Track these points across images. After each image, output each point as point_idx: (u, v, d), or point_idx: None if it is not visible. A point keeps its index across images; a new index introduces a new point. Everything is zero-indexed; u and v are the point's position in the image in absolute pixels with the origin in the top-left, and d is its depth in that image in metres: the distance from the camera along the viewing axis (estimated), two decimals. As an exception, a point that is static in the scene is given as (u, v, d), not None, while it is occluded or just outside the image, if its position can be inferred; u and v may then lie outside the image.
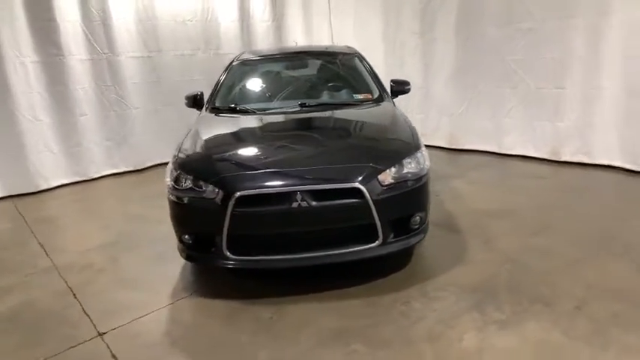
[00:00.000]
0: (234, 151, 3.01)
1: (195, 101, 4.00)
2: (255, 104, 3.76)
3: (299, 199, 2.50)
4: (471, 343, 2.20)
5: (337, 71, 4.15)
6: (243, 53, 4.75)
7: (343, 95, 3.83)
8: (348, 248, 2.64)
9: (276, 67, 4.33)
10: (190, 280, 3.03)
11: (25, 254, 3.67)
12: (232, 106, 3.68)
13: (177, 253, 2.91)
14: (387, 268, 2.91)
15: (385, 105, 3.59)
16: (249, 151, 3.04)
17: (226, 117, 3.59)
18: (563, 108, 4.88)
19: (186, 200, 2.70)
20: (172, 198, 2.77)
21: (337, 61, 4.26)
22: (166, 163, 2.95)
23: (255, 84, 4.22)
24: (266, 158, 2.88)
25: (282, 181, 2.57)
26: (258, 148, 3.06)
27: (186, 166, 2.82)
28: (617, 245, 3.10)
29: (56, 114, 5.36)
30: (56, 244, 3.84)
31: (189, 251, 2.83)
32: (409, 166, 2.73)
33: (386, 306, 2.56)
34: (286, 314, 2.55)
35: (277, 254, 2.64)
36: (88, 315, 2.71)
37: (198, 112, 3.99)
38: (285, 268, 2.69)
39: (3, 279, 3.24)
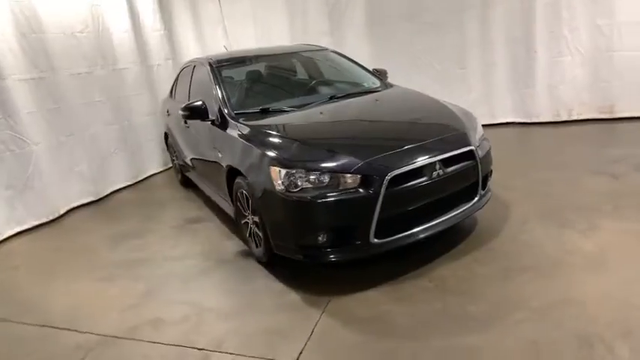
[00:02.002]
0: (342, 141, 2.93)
1: (199, 112, 3.58)
2: (280, 103, 3.61)
3: (438, 168, 2.70)
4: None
5: (328, 65, 4.28)
6: (202, 59, 4.39)
7: (356, 84, 4.00)
8: (459, 209, 2.94)
9: (264, 68, 4.19)
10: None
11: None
12: (261, 108, 3.48)
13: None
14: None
15: (398, 87, 3.94)
16: (353, 139, 2.98)
17: (274, 118, 3.36)
18: (466, 83, 6.08)
19: (317, 198, 2.54)
20: (296, 201, 2.57)
21: (318, 57, 4.39)
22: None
23: (258, 86, 4.00)
24: (379, 140, 2.91)
25: (418, 155, 2.67)
26: (355, 134, 3.05)
27: (306, 163, 2.64)
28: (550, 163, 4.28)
29: None
30: None
31: (325, 252, 2.67)
32: (479, 129, 3.19)
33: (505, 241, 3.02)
34: (439, 279, 2.72)
35: (415, 227, 2.76)
36: None
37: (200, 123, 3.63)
38: (424, 238, 2.81)
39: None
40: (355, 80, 4.08)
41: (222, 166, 3.46)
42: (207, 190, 4.32)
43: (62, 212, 5.03)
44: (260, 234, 3.05)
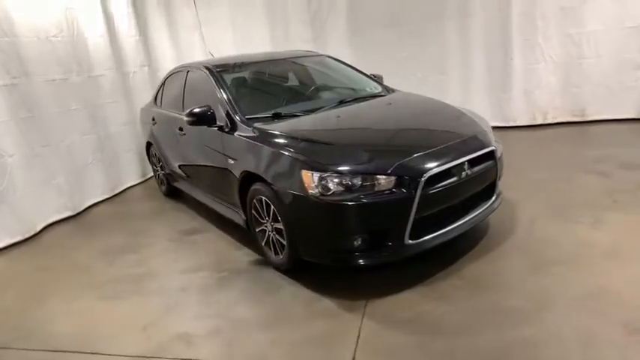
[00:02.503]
0: (370, 143, 2.92)
1: (206, 118, 3.46)
2: (289, 108, 3.54)
3: (466, 168, 2.76)
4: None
5: (326, 70, 4.27)
6: (196, 64, 4.26)
7: (360, 89, 4.00)
8: (481, 209, 3.01)
9: (265, 73, 4.11)
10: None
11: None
12: (273, 112, 3.41)
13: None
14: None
15: (401, 92, 4.00)
16: (380, 141, 2.99)
17: (289, 122, 3.28)
18: (447, 89, 6.27)
19: (354, 201, 2.51)
20: (332, 205, 2.53)
21: (315, 62, 4.38)
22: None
23: (262, 91, 3.91)
24: (405, 142, 2.94)
25: (447, 156, 2.70)
26: (380, 137, 3.05)
27: (339, 166, 2.59)
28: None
29: None
30: None
31: (360, 255, 2.64)
32: (490, 131, 3.30)
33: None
34: (470, 277, 2.77)
35: (444, 227, 2.79)
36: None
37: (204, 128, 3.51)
38: (453, 237, 2.83)
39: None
40: (357, 85, 4.10)
41: (233, 173, 3.35)
42: (206, 199, 4.16)
43: (39, 229, 4.67)
44: (283, 241, 2.97)
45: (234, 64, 4.18)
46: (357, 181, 2.55)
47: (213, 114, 3.46)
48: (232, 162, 3.35)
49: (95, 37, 5.53)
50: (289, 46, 6.60)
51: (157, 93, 5.16)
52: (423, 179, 2.55)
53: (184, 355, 2.42)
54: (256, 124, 3.25)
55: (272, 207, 2.97)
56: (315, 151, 2.76)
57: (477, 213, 2.97)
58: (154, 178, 5.66)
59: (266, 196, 3.00)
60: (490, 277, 2.75)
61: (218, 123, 3.47)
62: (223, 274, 3.28)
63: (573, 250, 2.91)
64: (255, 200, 3.16)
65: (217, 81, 3.74)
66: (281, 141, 2.98)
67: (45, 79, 4.85)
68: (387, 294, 2.70)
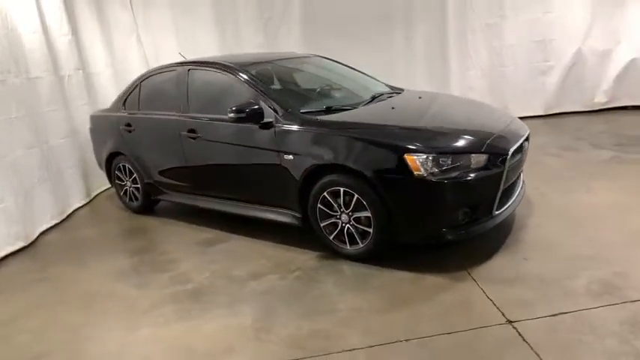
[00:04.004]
0: (449, 126, 3.15)
1: (256, 115, 3.30)
2: (328, 102, 3.59)
3: (526, 147, 3.20)
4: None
5: (328, 70, 4.37)
6: (200, 62, 4.00)
7: (376, 86, 4.19)
8: (520, 184, 3.49)
9: (277, 72, 4.02)
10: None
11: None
12: (325, 107, 3.41)
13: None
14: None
15: (409, 90, 4.34)
16: (452, 125, 3.22)
17: (352, 113, 3.38)
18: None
19: (461, 178, 2.74)
20: (441, 184, 2.71)
21: (313, 62, 4.45)
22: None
23: (294, 88, 3.81)
24: (470, 126, 3.21)
25: (512, 136, 3.09)
26: (448, 122, 3.30)
27: (439, 147, 2.79)
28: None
29: None
30: None
31: (464, 229, 2.86)
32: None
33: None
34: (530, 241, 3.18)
35: (509, 200, 3.17)
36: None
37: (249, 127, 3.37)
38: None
39: None
40: (369, 82, 4.31)
41: (290, 169, 3.26)
42: (228, 206, 3.88)
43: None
44: (368, 229, 3.01)
45: (246, 62, 4.01)
46: (458, 160, 2.79)
47: (261, 110, 3.33)
48: (290, 157, 3.26)
49: (29, 32, 4.70)
50: (241, 51, 6.48)
51: (127, 97, 4.61)
52: (509, 155, 2.91)
53: (336, 348, 2.32)
54: (319, 117, 3.24)
55: (355, 196, 3.00)
56: (411, 136, 2.90)
57: (521, 188, 3.45)
58: (117, 195, 4.97)
59: (346, 186, 3.02)
60: (546, 238, 3.22)
61: (267, 119, 3.34)
62: (297, 274, 3.15)
63: (590, 210, 3.56)
64: (326, 193, 3.14)
65: (251, 78, 3.59)
66: (364, 130, 3.04)
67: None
68: (478, 263, 2.97)
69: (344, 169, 3.02)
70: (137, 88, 4.51)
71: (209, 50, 6.38)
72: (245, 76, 3.60)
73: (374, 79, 4.46)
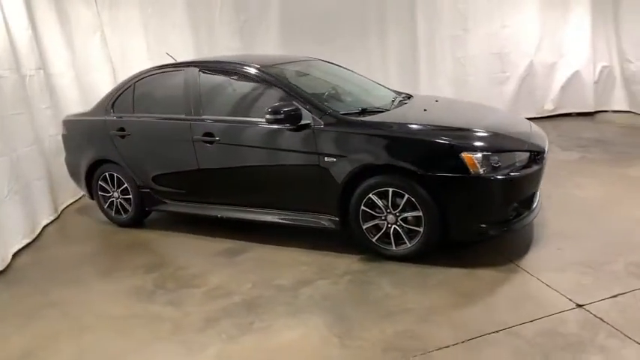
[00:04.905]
0: (490, 127, 3.24)
1: (294, 117, 3.20)
2: (361, 104, 3.58)
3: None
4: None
5: (340, 73, 4.36)
6: (211, 62, 3.81)
7: (384, 90, 4.26)
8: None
9: (299, 75, 3.92)
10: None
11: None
12: (360, 109, 3.40)
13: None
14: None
15: (418, 94, 4.48)
16: (490, 127, 3.28)
17: (390, 114, 3.43)
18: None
19: (515, 175, 2.91)
20: (497, 181, 2.85)
21: (324, 65, 4.42)
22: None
23: (319, 91, 3.71)
24: (502, 127, 3.36)
25: (538, 135, 3.36)
26: (483, 124, 3.36)
27: (493, 146, 2.94)
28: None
29: None
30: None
31: (510, 224, 3.00)
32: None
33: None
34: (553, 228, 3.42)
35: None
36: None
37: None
38: None
39: None
40: (374, 86, 4.38)
41: (331, 171, 3.20)
42: (250, 214, 3.69)
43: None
44: (418, 228, 3.05)
45: (266, 64, 3.84)
46: (506, 158, 2.94)
47: (299, 112, 3.24)
48: (333, 160, 3.20)
49: (-11, 24, 4.12)
50: (216, 54, 6.23)
51: (116, 99, 4.21)
52: (546, 152, 3.14)
53: (431, 346, 2.32)
54: (363, 119, 3.24)
55: (405, 196, 3.02)
56: (464, 136, 3.01)
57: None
58: (100, 208, 4.47)
59: (397, 187, 3.03)
60: (565, 229, 3.48)
61: (304, 121, 3.26)
62: (348, 277, 3.09)
63: (587, 202, 3.95)
64: (372, 194, 3.13)
65: (281, 79, 3.47)
66: (415, 130, 3.09)
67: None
68: (520, 255, 3.14)
69: (393, 169, 3.04)
70: (130, 90, 4.13)
71: (183, 52, 6.04)
72: (274, 78, 3.47)
73: (374, 82, 4.54)
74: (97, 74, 5.82)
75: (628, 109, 7.08)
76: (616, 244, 3.17)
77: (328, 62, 4.54)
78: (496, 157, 2.89)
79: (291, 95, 3.35)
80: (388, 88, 4.48)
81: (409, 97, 4.14)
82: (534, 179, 3.07)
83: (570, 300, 2.60)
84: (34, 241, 4.24)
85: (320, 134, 3.22)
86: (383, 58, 6.96)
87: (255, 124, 3.48)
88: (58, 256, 3.92)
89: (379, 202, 3.12)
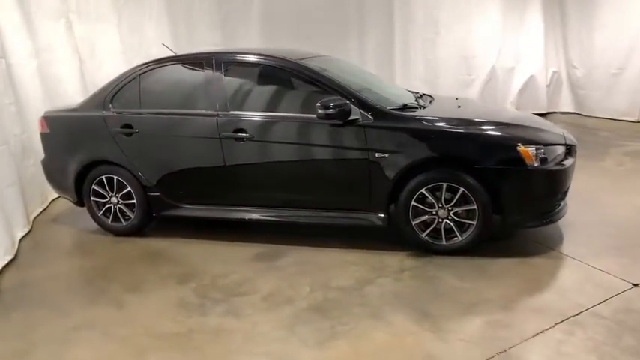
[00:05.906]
0: (526, 124, 3.33)
1: (345, 112, 3.09)
2: (400, 100, 3.55)
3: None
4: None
5: (354, 70, 4.30)
6: (232, 54, 3.57)
7: (399, 88, 4.29)
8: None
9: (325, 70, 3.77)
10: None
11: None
12: (402, 105, 3.37)
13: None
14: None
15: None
16: (522, 121, 3.43)
17: (424, 111, 3.41)
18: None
19: (565, 167, 3.10)
20: (552, 173, 3.03)
21: (338, 62, 4.33)
22: None
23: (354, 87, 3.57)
24: (531, 124, 3.42)
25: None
26: (514, 120, 3.48)
27: (545, 140, 3.10)
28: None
29: None
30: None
31: (553, 214, 3.16)
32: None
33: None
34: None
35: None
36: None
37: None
38: None
39: None
40: (389, 83, 4.40)
41: (383, 167, 3.15)
42: (284, 215, 3.50)
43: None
44: (471, 222, 3.09)
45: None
46: (550, 151, 3.11)
47: (349, 107, 3.14)
48: (384, 156, 3.14)
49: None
50: (194, 49, 5.86)
51: (116, 93, 3.77)
52: (576, 147, 3.36)
53: (529, 332, 2.36)
54: (416, 114, 3.24)
55: (460, 190, 3.06)
56: (516, 130, 3.12)
57: None
58: (92, 216, 3.95)
59: (451, 181, 3.06)
60: (581, 219, 3.72)
61: (353, 117, 3.17)
62: (408, 273, 3.04)
63: (587, 194, 4.27)
64: (424, 190, 3.13)
65: (323, 74, 3.35)
66: (469, 125, 3.14)
67: None
68: (558, 244, 3.33)
69: (445, 164, 3.07)
70: (133, 83, 3.71)
71: (158, 45, 5.59)
72: (308, 73, 3.33)
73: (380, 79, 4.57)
74: (63, 65, 5.17)
75: (574, 111, 7.88)
76: (631, 228, 3.49)
77: (340, 60, 4.46)
78: (543, 150, 3.04)
79: (336, 90, 3.24)
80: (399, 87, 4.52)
81: (425, 95, 4.21)
82: (572, 171, 3.28)
83: (625, 280, 2.80)
84: (14, 258, 3.64)
85: (370, 130, 3.15)
86: (361, 58, 7.00)
87: (293, 119, 3.32)
88: (55, 273, 3.39)
89: (431, 198, 3.12)
